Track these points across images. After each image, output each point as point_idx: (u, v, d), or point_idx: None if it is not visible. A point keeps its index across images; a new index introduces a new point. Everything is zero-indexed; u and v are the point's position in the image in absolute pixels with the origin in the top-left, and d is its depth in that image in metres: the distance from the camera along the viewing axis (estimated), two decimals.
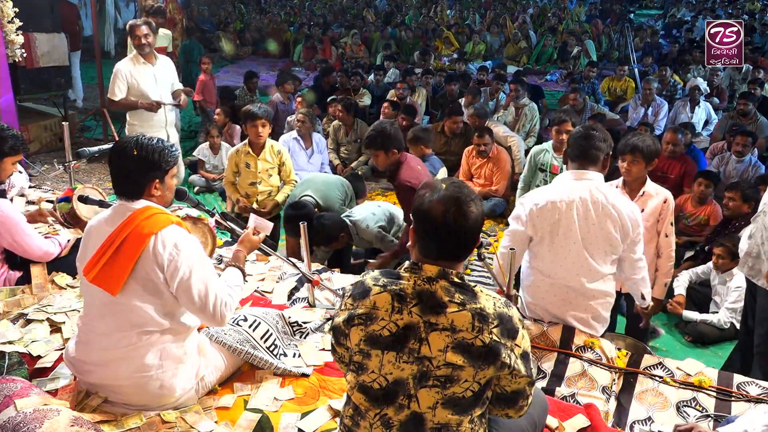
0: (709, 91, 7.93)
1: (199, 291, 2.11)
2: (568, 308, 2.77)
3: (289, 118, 6.95)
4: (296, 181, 4.55)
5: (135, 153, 2.12)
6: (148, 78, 4.89)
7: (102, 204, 2.93)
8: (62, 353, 2.39)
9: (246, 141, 4.38)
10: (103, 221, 2.20)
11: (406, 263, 1.67)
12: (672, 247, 3.22)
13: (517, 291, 2.83)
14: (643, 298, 2.95)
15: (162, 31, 6.63)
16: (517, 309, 1.71)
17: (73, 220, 3.37)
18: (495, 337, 1.57)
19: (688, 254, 4.79)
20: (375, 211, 4.23)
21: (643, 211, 3.19)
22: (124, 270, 2.06)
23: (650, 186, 3.23)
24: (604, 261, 2.70)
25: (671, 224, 3.19)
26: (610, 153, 2.75)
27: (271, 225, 2.63)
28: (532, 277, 2.81)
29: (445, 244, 1.62)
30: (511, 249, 2.58)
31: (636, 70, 10.15)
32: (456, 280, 1.62)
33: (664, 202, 3.17)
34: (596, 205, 2.62)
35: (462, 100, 7.53)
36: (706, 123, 7.52)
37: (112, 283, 2.07)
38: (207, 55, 8.84)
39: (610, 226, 2.63)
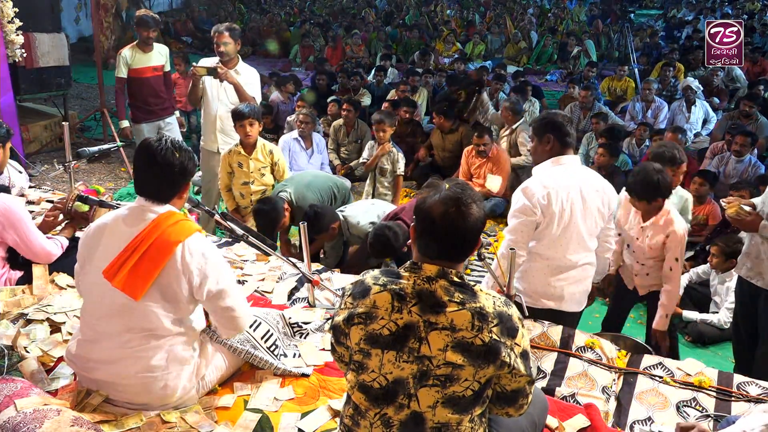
0: (702, 89, 7.94)
1: (227, 297, 2.15)
2: (563, 285, 2.91)
3: (289, 118, 6.95)
4: None
5: (177, 156, 2.12)
6: (215, 84, 4.61)
7: (102, 204, 2.92)
8: (63, 353, 2.39)
9: (238, 141, 4.38)
10: (121, 221, 2.16)
11: (407, 263, 1.68)
12: (676, 282, 3.19)
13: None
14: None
15: (158, 47, 5.66)
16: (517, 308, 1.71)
17: (71, 216, 3.33)
18: (495, 336, 1.57)
19: (688, 254, 4.79)
20: (368, 209, 4.24)
21: (643, 230, 3.23)
22: (149, 276, 2.05)
23: (662, 217, 3.17)
24: (593, 235, 2.93)
25: (676, 260, 3.15)
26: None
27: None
28: (529, 263, 2.92)
29: (444, 244, 1.62)
30: (511, 249, 2.58)
31: (636, 70, 10.14)
32: (455, 279, 1.62)
33: (667, 236, 3.14)
34: (586, 185, 2.82)
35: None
36: (705, 122, 7.52)
37: (137, 288, 2.05)
38: (178, 54, 8.00)
39: (599, 202, 2.86)
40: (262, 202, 4.14)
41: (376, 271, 1.72)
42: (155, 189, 2.16)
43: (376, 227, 3.86)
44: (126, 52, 5.51)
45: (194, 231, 2.14)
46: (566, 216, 2.77)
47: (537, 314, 2.94)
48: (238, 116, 4.19)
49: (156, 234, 2.07)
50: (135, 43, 5.58)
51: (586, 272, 2.97)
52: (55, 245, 3.07)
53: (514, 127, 6.29)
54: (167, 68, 5.79)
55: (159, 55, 5.65)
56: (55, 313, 2.72)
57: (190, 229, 2.13)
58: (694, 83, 7.67)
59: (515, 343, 1.61)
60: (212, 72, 4.43)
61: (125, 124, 5.83)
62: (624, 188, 3.31)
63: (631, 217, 3.31)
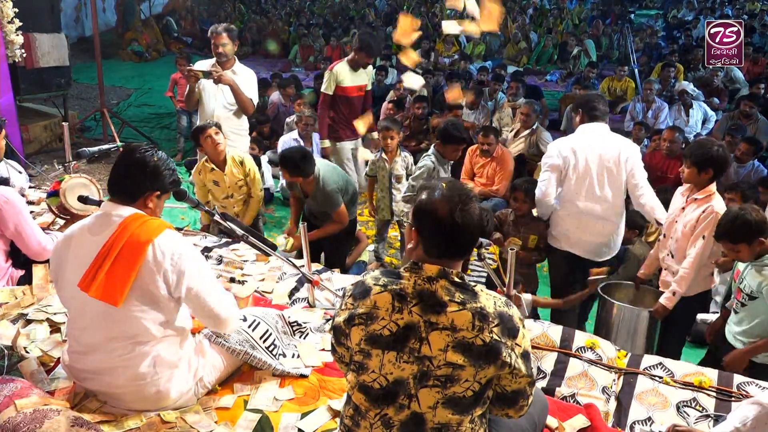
0: (697, 91, 7.95)
1: (207, 294, 2.12)
2: (584, 232, 3.65)
3: (288, 119, 6.96)
4: (262, 194, 4.45)
5: (155, 159, 2.15)
6: (212, 83, 4.55)
7: (101, 204, 2.91)
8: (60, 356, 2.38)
9: (205, 158, 4.25)
10: (87, 230, 2.13)
11: (408, 263, 1.68)
12: (695, 263, 3.17)
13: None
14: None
15: (340, 69, 5.09)
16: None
17: (66, 213, 3.38)
18: (495, 337, 1.57)
19: None
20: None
21: (683, 210, 3.32)
22: (125, 280, 2.01)
23: (705, 193, 3.21)
24: (610, 191, 3.57)
25: (703, 237, 3.16)
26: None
27: None
28: (559, 210, 3.71)
29: (449, 242, 1.62)
30: (511, 249, 2.59)
31: (636, 70, 10.13)
32: (456, 279, 1.62)
33: (703, 211, 3.17)
34: (602, 147, 3.55)
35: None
36: (704, 122, 7.52)
37: (115, 294, 2.01)
38: (180, 54, 8.04)
39: (612, 163, 3.53)
40: (300, 151, 4.10)
41: (377, 272, 1.72)
42: (119, 183, 2.15)
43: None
44: (338, 68, 5.18)
45: (164, 228, 2.10)
46: (580, 168, 3.55)
47: (561, 257, 3.77)
48: (197, 132, 4.11)
49: (125, 236, 2.03)
50: (346, 59, 5.24)
51: (602, 225, 3.61)
52: (51, 241, 3.07)
53: (533, 128, 6.37)
54: (369, 87, 5.46)
55: (365, 75, 5.33)
56: (55, 313, 2.73)
57: (160, 227, 2.09)
58: (689, 87, 7.69)
59: (516, 344, 1.61)
60: (208, 75, 4.44)
61: (327, 144, 5.39)
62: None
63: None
